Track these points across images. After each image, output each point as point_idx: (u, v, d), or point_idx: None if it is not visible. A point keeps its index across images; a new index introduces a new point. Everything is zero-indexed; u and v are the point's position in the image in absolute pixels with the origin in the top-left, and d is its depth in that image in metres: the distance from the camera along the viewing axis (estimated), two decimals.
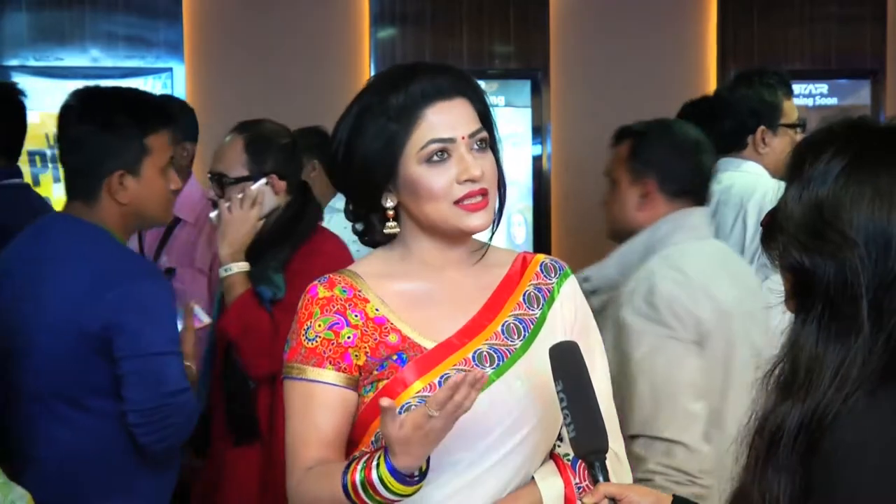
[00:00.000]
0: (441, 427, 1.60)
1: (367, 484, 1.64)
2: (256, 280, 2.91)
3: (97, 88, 2.65)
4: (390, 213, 1.82)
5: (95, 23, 5.51)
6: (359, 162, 1.80)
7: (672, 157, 2.62)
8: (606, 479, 1.62)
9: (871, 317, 1.29)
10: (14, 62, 5.45)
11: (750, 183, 3.09)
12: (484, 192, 1.78)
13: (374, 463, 1.64)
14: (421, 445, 1.60)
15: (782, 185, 1.42)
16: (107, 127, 2.52)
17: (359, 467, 1.66)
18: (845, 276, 1.30)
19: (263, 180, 2.99)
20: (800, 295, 1.36)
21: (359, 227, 1.90)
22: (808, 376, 1.31)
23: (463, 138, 1.78)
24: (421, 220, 1.82)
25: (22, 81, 5.41)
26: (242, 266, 2.92)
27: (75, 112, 2.57)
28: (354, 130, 1.80)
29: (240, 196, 2.95)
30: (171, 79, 5.59)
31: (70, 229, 2.56)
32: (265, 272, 2.92)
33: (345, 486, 1.66)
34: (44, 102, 5.48)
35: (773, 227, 1.40)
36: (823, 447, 1.29)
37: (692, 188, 2.62)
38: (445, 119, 1.77)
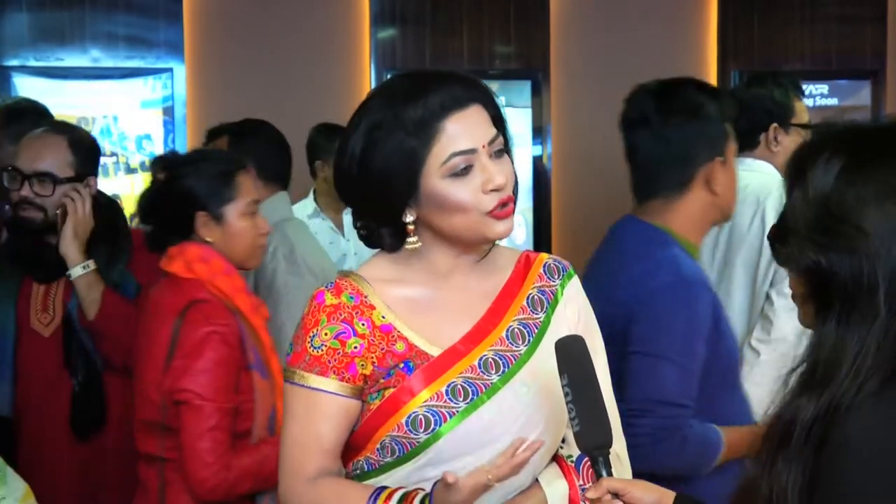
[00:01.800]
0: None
1: None
2: (116, 277, 3.01)
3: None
4: (410, 227, 1.78)
5: (95, 23, 5.50)
6: (376, 178, 1.75)
7: (267, 150, 3.38)
8: (610, 473, 1.61)
9: (888, 303, 1.31)
10: (14, 62, 5.44)
11: (765, 182, 3.11)
12: (511, 200, 1.78)
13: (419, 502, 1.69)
14: None
15: None
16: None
17: (395, 500, 1.70)
18: (861, 268, 1.32)
19: (87, 181, 3.05)
20: (818, 296, 1.36)
21: (364, 232, 1.85)
22: (827, 370, 1.32)
23: (483, 147, 1.75)
24: (444, 232, 1.79)
25: (22, 81, 5.44)
26: (92, 264, 2.96)
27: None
28: (369, 146, 1.75)
29: (75, 196, 2.99)
30: (171, 79, 5.58)
31: (636, 230, 2.49)
32: (119, 270, 3.02)
33: None
34: (44, 102, 5.49)
35: (783, 232, 1.40)
36: (831, 442, 1.29)
37: (284, 175, 3.44)
38: (464, 129, 1.74)
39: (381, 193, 1.76)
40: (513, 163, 1.83)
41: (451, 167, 1.73)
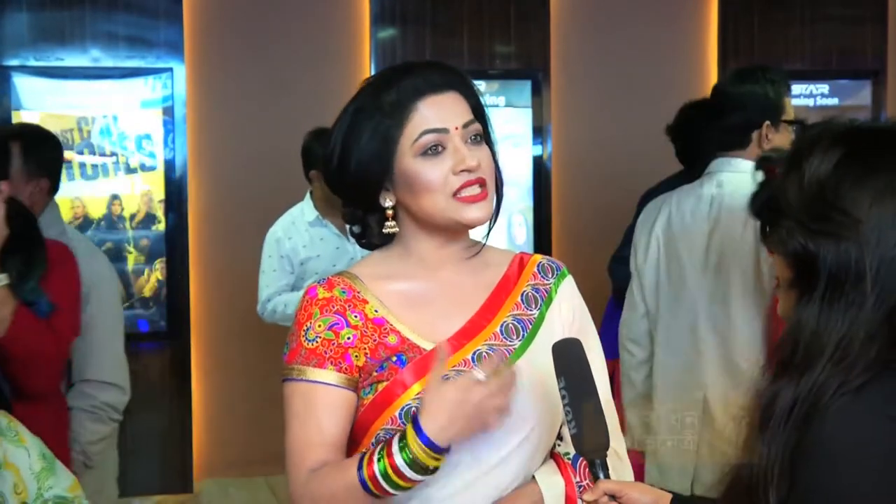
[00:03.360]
0: (477, 406, 1.62)
1: (389, 469, 1.63)
2: (28, 294, 2.72)
3: None
4: (389, 212, 1.82)
5: (95, 23, 5.51)
6: (355, 162, 1.80)
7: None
8: (607, 476, 1.62)
9: (875, 291, 1.31)
10: (14, 62, 5.45)
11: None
12: (482, 182, 1.78)
13: (397, 446, 1.64)
14: (455, 411, 1.62)
15: None
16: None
17: (376, 458, 1.65)
18: (849, 254, 1.32)
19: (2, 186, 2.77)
20: (802, 281, 1.37)
21: (356, 229, 1.90)
22: (808, 352, 1.33)
23: (456, 129, 1.78)
24: (419, 216, 1.81)
25: (22, 81, 5.45)
26: (4, 278, 2.61)
27: None
28: (349, 131, 1.80)
29: None
30: (171, 79, 5.59)
31: None
32: (32, 286, 2.74)
33: (363, 480, 1.65)
34: (44, 102, 5.50)
35: (774, 215, 1.41)
36: (810, 437, 1.30)
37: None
38: (438, 111, 1.78)
39: (360, 177, 1.80)
40: (495, 155, 1.84)
41: (422, 145, 1.76)
